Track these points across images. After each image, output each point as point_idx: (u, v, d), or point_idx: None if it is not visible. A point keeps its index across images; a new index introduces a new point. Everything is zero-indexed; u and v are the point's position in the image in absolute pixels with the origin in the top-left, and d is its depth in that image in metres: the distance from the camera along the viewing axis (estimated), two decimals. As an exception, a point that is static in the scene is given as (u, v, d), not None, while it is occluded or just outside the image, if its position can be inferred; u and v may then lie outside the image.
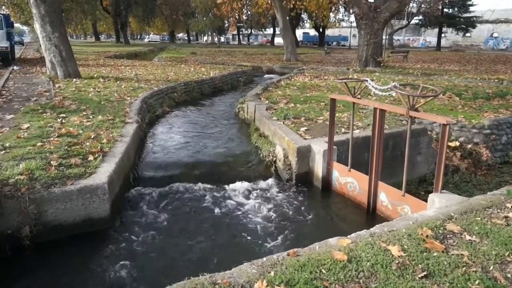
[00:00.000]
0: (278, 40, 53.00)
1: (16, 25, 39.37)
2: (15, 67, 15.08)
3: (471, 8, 44.76)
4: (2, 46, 15.90)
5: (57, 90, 9.40)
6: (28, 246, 3.79)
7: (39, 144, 5.12)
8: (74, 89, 9.69)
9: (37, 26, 11.05)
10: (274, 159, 6.07)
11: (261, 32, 74.27)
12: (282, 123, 6.86)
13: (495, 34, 55.56)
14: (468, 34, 51.17)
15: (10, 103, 7.90)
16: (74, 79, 11.32)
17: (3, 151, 4.81)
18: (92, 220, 4.15)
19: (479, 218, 3.27)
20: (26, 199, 3.78)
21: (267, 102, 8.96)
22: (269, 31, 66.88)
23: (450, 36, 56.47)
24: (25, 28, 67.50)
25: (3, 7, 30.63)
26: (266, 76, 19.44)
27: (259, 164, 6.21)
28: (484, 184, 6.33)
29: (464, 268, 2.54)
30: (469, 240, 2.91)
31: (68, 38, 12.11)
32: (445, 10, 44.22)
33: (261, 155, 6.34)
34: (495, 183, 6.35)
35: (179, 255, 3.93)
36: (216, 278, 2.38)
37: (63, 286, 3.43)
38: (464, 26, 45.14)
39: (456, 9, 44.89)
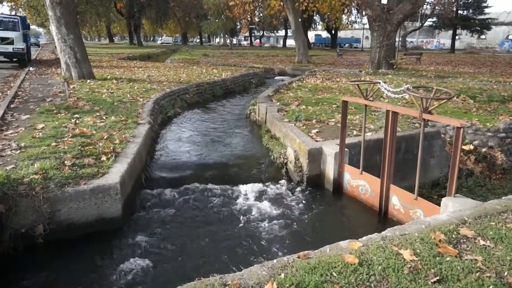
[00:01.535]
0: (290, 42, 52.99)
1: (32, 27, 40.12)
2: (31, 68, 15.35)
3: (486, 10, 44.01)
4: (18, 47, 16.18)
5: (71, 91, 9.54)
6: (41, 245, 3.85)
7: (53, 144, 5.21)
8: (88, 90, 9.84)
9: (52, 28, 11.26)
10: (285, 161, 6.06)
11: (273, 34, 74.39)
12: (293, 125, 6.84)
13: (511, 37, 54.52)
14: (483, 36, 50.28)
15: (25, 103, 8.06)
16: (88, 80, 11.49)
17: (19, 151, 4.90)
18: (104, 219, 4.21)
19: (493, 223, 3.20)
20: (40, 198, 3.85)
21: (278, 104, 8.95)
22: (281, 33, 66.89)
23: (465, 38, 55.69)
24: (41, 30, 68.76)
25: (20, 9, 31.32)
26: (277, 78, 19.43)
27: (270, 166, 6.20)
28: (498, 188, 6.20)
29: (477, 274, 2.49)
30: (483, 245, 2.86)
31: (82, 40, 12.28)
32: (460, 11, 43.58)
33: (272, 157, 6.34)
34: (510, 187, 6.22)
35: (190, 256, 3.95)
36: (226, 280, 2.38)
37: (74, 284, 3.47)
38: (479, 28, 44.38)
39: (470, 10, 44.19)
